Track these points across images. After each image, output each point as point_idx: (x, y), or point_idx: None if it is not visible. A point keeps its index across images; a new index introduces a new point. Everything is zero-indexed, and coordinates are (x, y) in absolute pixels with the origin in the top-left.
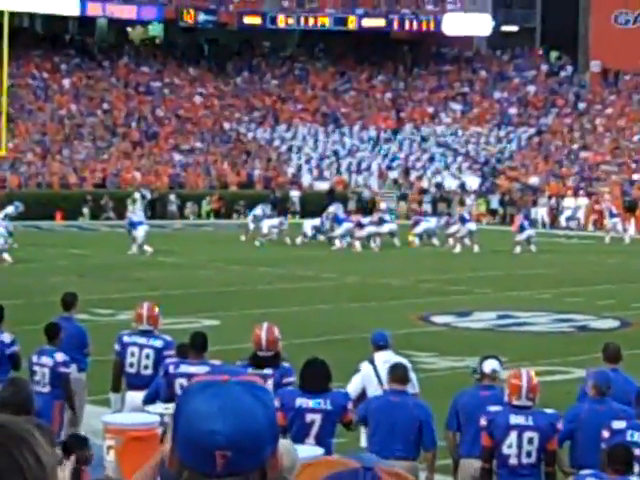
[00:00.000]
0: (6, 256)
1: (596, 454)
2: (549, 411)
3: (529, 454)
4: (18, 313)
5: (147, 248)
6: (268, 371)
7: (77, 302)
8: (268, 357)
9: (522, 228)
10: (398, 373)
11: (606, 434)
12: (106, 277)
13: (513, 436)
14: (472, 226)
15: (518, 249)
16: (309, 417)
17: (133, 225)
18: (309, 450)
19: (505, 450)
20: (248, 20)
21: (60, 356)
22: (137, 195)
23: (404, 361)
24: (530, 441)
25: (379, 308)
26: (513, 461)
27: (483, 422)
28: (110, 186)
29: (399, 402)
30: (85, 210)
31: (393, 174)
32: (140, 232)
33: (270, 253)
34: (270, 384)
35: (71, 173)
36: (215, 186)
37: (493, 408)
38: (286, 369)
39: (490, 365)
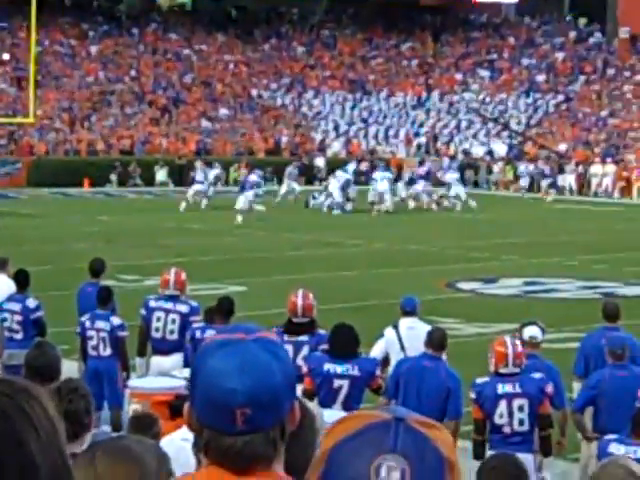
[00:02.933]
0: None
1: (620, 419)
2: (537, 375)
3: (521, 422)
4: (45, 279)
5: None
6: (304, 338)
7: (105, 268)
8: (304, 324)
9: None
10: (435, 338)
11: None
12: (133, 244)
13: (503, 405)
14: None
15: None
16: (337, 382)
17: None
18: (336, 415)
19: (497, 420)
20: None
21: (116, 320)
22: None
23: (429, 328)
24: (520, 408)
25: (405, 274)
26: (506, 430)
27: (472, 395)
28: (138, 153)
29: (431, 367)
30: (113, 177)
31: (420, 141)
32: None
33: (295, 219)
34: (306, 351)
35: (99, 140)
36: (242, 153)
37: (480, 380)
38: (322, 336)
39: (529, 332)
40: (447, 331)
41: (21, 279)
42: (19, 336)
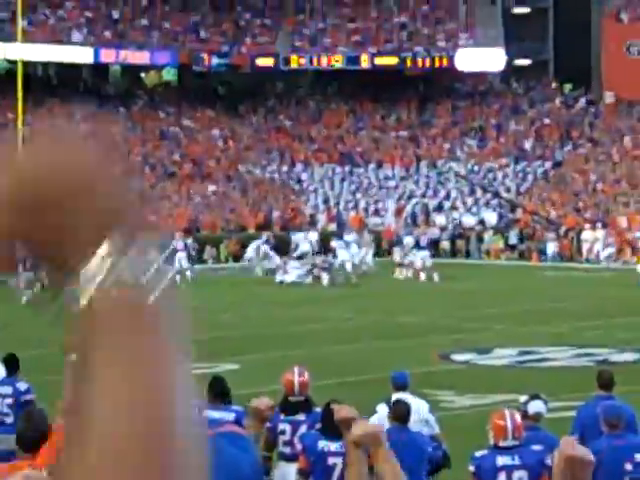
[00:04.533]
0: None
1: None
2: (537, 447)
3: None
4: (36, 363)
5: None
6: (301, 417)
7: None
8: (300, 402)
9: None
10: (397, 411)
11: (629, 467)
12: None
13: (502, 478)
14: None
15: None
16: (331, 460)
17: None
18: None
19: None
20: (261, 62)
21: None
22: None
23: (421, 402)
24: None
25: (397, 347)
26: None
27: (471, 468)
28: None
29: (401, 439)
30: None
31: (409, 212)
32: None
33: (289, 295)
34: (304, 430)
35: None
36: (233, 229)
37: (479, 453)
38: (318, 415)
39: (535, 407)
40: (440, 404)
41: (10, 363)
42: (10, 420)
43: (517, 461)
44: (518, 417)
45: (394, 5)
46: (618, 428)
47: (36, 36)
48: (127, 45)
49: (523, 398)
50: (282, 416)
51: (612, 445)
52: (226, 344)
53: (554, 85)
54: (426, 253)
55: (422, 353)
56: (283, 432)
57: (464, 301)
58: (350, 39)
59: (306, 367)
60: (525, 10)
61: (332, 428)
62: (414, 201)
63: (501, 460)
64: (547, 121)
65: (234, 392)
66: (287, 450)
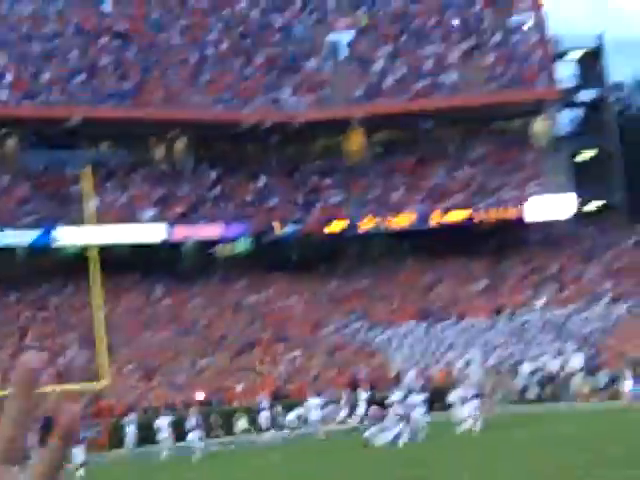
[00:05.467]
0: None
1: None
2: None
3: None
4: None
5: None
6: None
7: None
8: None
9: None
10: None
11: None
12: None
13: None
14: None
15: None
16: None
17: None
18: None
19: None
20: (333, 226)
21: None
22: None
23: None
24: None
25: None
26: None
27: None
28: (215, 403)
29: None
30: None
31: (493, 362)
32: None
33: (375, 454)
34: None
35: (175, 395)
36: (320, 393)
37: None
38: None
39: None
40: None
41: None
42: None
43: None
44: None
45: (460, 159)
46: None
47: (105, 217)
48: (198, 219)
49: None
50: None
51: None
52: None
53: (626, 226)
54: (476, 402)
55: None
56: None
57: (561, 449)
58: (418, 197)
59: None
60: (590, 154)
61: None
62: (498, 351)
63: None
64: (623, 261)
65: None
66: None
